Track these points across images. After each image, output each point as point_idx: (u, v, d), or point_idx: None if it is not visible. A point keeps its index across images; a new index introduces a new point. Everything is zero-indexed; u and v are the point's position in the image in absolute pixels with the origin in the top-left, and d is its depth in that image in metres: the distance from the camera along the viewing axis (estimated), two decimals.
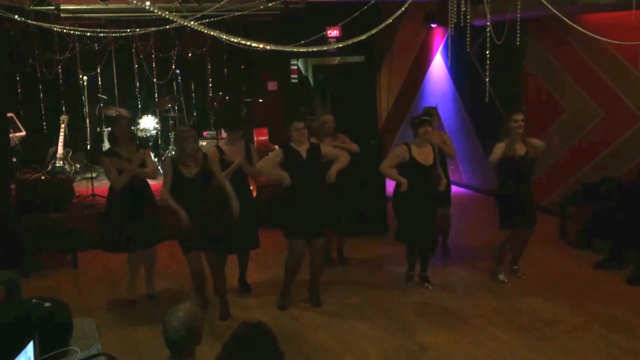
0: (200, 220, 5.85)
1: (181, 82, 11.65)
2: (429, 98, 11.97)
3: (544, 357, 5.23)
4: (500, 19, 6.61)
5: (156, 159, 10.63)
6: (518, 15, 6.03)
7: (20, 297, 5.37)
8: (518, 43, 6.28)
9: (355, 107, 11.34)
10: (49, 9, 8.56)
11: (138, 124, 10.93)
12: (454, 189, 11.29)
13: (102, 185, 10.15)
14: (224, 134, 11.11)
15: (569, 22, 6.49)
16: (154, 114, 11.19)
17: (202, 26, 4.43)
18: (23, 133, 10.31)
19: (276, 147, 11.34)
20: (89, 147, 11.00)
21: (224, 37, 4.61)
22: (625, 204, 7.28)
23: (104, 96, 11.11)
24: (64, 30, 9.33)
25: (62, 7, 8.69)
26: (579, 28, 6.64)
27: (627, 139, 8.35)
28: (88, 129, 11.02)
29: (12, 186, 8.59)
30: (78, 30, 9.31)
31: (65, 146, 10.14)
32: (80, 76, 10.97)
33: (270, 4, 8.44)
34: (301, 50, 5.57)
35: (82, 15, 9.54)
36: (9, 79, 10.44)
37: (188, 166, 5.91)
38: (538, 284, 6.79)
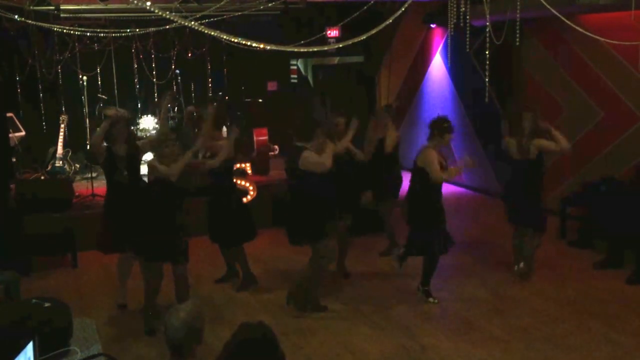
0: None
1: (181, 82, 11.65)
2: (428, 98, 11.99)
3: (544, 357, 5.23)
4: (500, 19, 6.61)
5: None
6: (517, 16, 6.04)
7: (19, 298, 5.37)
8: (517, 43, 6.28)
9: (355, 107, 11.33)
10: (49, 9, 8.56)
11: (138, 124, 10.94)
12: (454, 188, 11.31)
13: (102, 185, 10.14)
14: (223, 134, 11.15)
15: (568, 22, 6.49)
16: (153, 114, 11.19)
17: (202, 26, 4.43)
18: (23, 133, 10.31)
19: (276, 146, 11.40)
20: (88, 147, 11.01)
21: (224, 37, 4.61)
22: (624, 204, 7.28)
23: (103, 96, 11.11)
24: (64, 31, 9.33)
25: (62, 7, 8.69)
26: (578, 28, 6.64)
27: (626, 139, 8.35)
28: (88, 129, 11.03)
29: (12, 186, 8.59)
30: (78, 31, 9.32)
31: (65, 146, 10.14)
32: (80, 76, 10.98)
33: (270, 4, 8.44)
34: (301, 50, 5.58)
35: (82, 15, 9.53)
36: (9, 79, 10.45)
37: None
38: (538, 283, 6.79)
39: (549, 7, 5.96)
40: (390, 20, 5.87)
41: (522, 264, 6.90)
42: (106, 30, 9.78)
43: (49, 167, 9.98)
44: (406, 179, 11.68)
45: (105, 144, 6.21)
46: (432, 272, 6.38)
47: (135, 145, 6.34)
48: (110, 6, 8.70)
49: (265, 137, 10.41)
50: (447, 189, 11.36)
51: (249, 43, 4.59)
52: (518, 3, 6.04)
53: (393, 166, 7.77)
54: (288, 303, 6.23)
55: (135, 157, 6.29)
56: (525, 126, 6.57)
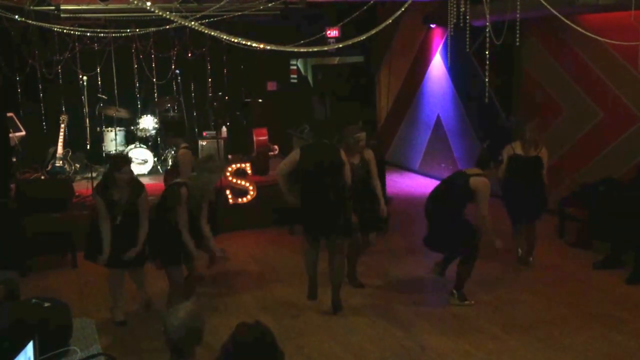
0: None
1: (181, 82, 11.66)
2: (428, 98, 11.99)
3: (544, 357, 5.23)
4: (500, 19, 6.62)
5: (155, 158, 10.66)
6: (517, 16, 6.04)
7: (19, 297, 5.37)
8: (517, 43, 6.29)
9: (355, 107, 11.30)
10: (49, 9, 8.56)
11: (138, 123, 10.95)
12: None
13: None
14: (223, 134, 11.16)
15: (568, 22, 6.50)
16: (153, 113, 11.20)
17: (202, 26, 4.43)
18: (23, 133, 10.32)
19: (276, 146, 11.40)
20: (88, 147, 11.03)
21: (224, 37, 4.62)
22: (624, 204, 7.28)
23: (103, 96, 11.12)
24: (64, 31, 9.33)
25: (62, 7, 8.69)
26: (578, 28, 6.65)
27: (626, 139, 8.34)
28: (88, 128, 11.05)
29: (12, 186, 8.59)
30: (78, 31, 9.33)
31: (65, 146, 10.16)
32: (80, 76, 10.99)
33: (270, 4, 8.44)
34: (301, 50, 5.58)
35: (82, 15, 9.54)
36: (9, 79, 10.45)
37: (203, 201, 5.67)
38: (538, 283, 6.79)
39: (549, 7, 5.96)
40: (390, 20, 5.87)
41: (521, 252, 7.32)
42: (106, 30, 9.79)
43: (49, 167, 9.99)
44: (405, 179, 11.68)
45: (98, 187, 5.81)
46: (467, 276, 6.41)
47: (138, 191, 5.80)
48: (110, 6, 8.70)
49: (265, 137, 10.41)
50: None
51: (249, 43, 4.60)
52: (518, 3, 6.04)
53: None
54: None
55: (135, 203, 5.75)
56: (529, 136, 7.02)
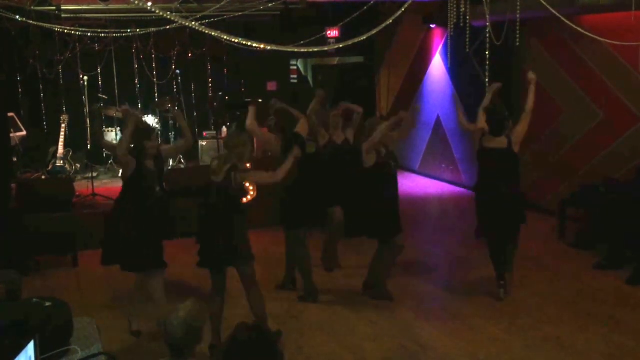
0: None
1: (181, 82, 11.68)
2: (428, 98, 11.99)
3: (544, 357, 5.24)
4: (500, 19, 6.62)
5: None
6: (517, 16, 6.05)
7: (20, 297, 5.38)
8: (517, 44, 6.30)
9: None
10: (50, 9, 8.58)
11: None
12: (454, 188, 11.30)
13: (102, 184, 10.19)
14: (223, 134, 11.17)
15: (568, 22, 6.50)
16: (154, 113, 11.21)
17: (202, 26, 4.45)
18: (24, 133, 10.34)
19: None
20: (89, 147, 11.05)
21: (224, 37, 4.63)
22: (624, 205, 7.28)
23: (104, 96, 11.14)
24: (65, 31, 9.36)
25: (63, 7, 8.72)
26: (578, 29, 6.65)
27: (626, 140, 8.34)
28: (88, 128, 11.06)
29: (13, 186, 8.61)
30: (79, 31, 9.35)
31: (65, 146, 10.18)
32: (81, 76, 11.00)
33: (270, 4, 8.45)
34: (301, 50, 5.59)
35: (83, 15, 9.56)
36: (9, 79, 10.47)
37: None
38: (538, 284, 6.80)
39: (549, 7, 5.97)
40: (390, 21, 5.88)
41: None
42: (107, 31, 9.81)
43: (50, 167, 10.00)
44: (405, 179, 11.66)
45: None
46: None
47: (161, 157, 5.80)
48: (111, 6, 8.72)
49: None
50: (447, 188, 11.39)
51: (249, 43, 4.61)
52: (518, 3, 6.05)
53: None
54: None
55: (162, 169, 5.78)
56: None
